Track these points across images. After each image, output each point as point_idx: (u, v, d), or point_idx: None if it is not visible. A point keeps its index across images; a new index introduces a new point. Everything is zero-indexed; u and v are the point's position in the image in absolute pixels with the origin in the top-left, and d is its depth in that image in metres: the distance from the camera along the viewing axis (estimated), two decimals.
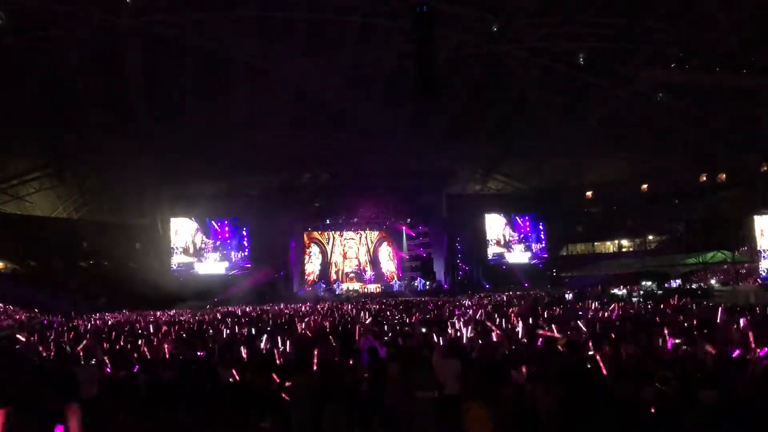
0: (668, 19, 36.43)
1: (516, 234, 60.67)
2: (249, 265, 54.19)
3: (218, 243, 54.58)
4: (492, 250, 59.73)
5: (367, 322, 20.09)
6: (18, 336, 20.36)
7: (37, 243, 47.37)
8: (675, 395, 6.77)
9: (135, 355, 13.10)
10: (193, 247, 53.83)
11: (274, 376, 9.66)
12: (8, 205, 49.74)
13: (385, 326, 17.93)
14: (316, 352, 10.86)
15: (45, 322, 30.95)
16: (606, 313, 19.33)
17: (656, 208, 49.24)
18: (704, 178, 50.94)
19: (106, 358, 12.88)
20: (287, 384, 9.15)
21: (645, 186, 55.91)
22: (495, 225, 60.19)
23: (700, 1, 34.31)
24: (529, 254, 60.76)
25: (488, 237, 59.87)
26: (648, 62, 37.18)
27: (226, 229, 54.88)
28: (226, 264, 54.54)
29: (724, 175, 49.56)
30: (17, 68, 37.82)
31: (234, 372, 10.29)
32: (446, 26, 36.53)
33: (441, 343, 11.98)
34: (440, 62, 34.33)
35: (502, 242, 60.26)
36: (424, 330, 15.34)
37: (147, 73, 40.08)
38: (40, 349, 15.51)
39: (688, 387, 6.85)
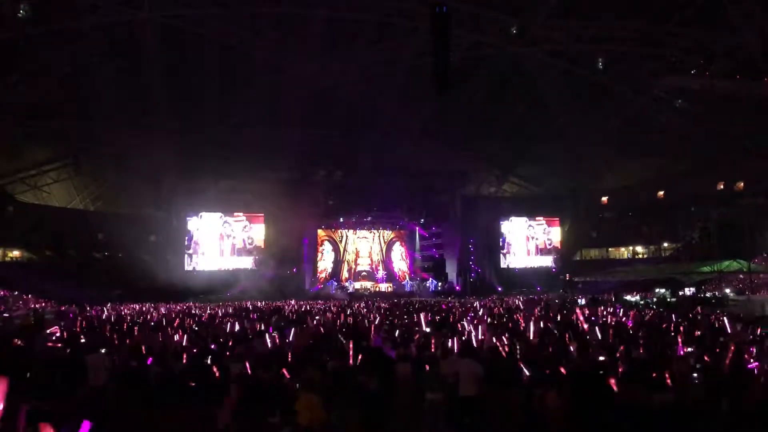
0: (689, 24, 36.15)
1: (530, 237, 60.40)
2: (262, 261, 54.32)
3: (232, 238, 54.77)
4: (505, 253, 59.52)
5: (377, 321, 20.08)
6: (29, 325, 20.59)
7: (54, 233, 47.71)
8: (693, 401, 6.75)
9: (147, 346, 13.16)
10: (209, 241, 54.07)
11: (285, 372, 9.69)
12: (26, 195, 50.21)
13: (395, 328, 17.89)
14: (327, 350, 10.88)
15: (62, 311, 31.15)
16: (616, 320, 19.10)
17: (672, 214, 48.74)
18: (721, 186, 50.32)
19: (118, 348, 12.98)
20: (297, 380, 9.16)
21: (661, 192, 55.45)
22: (509, 227, 59.98)
23: (722, 8, 33.98)
24: (542, 258, 60.48)
25: (502, 239, 59.68)
26: (668, 68, 36.89)
27: (240, 224, 55.08)
28: (239, 259, 54.73)
29: (742, 184, 48.94)
30: (38, 59, 38.19)
31: (244, 366, 10.33)
32: (465, 27, 36.48)
33: (454, 345, 11.91)
34: (457, 63, 34.25)
35: (516, 245, 60.02)
36: (428, 330, 15.29)
37: (166, 67, 40.37)
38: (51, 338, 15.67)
39: (709, 394, 6.82)
